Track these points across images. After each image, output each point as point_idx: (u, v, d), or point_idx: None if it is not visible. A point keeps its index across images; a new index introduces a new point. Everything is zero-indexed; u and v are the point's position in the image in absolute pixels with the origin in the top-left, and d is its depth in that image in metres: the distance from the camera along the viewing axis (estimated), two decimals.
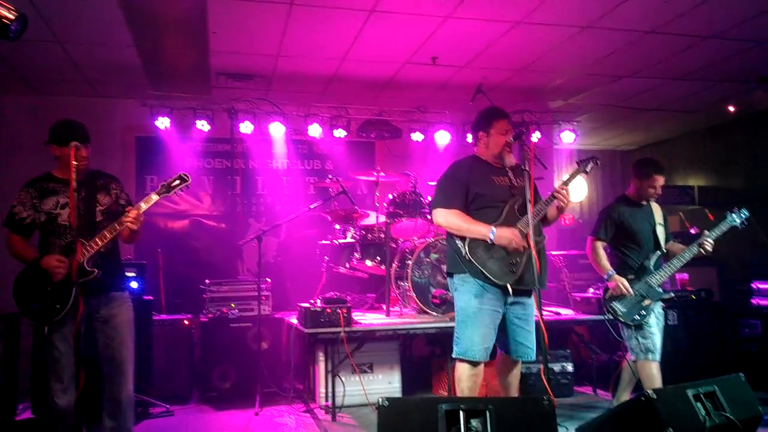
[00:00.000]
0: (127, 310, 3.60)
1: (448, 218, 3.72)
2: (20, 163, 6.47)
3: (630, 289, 4.35)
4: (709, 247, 4.34)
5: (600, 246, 4.55)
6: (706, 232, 4.40)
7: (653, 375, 4.25)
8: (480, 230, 3.62)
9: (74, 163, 3.14)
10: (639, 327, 4.32)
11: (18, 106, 6.68)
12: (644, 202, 4.58)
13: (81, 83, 6.35)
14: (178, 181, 3.45)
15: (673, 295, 4.59)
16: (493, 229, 3.58)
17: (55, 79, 6.21)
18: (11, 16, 1.80)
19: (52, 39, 5.14)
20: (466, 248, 3.64)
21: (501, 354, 3.89)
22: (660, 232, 4.52)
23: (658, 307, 4.41)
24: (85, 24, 4.93)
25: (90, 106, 6.58)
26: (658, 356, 4.29)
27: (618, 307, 4.38)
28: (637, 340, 4.32)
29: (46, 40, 5.13)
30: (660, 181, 4.49)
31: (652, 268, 4.42)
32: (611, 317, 4.45)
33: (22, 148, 6.52)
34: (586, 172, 3.84)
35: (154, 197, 3.39)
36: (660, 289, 4.40)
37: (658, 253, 4.48)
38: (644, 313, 4.32)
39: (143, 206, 3.40)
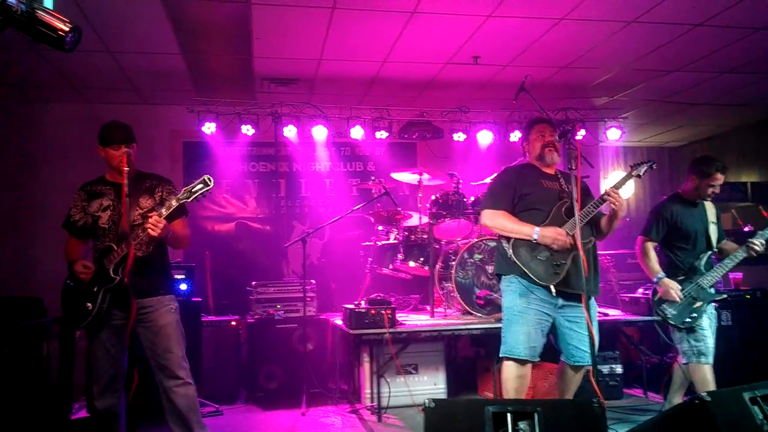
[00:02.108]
0: (165, 314, 3.50)
1: (494, 219, 3.83)
2: (69, 169, 6.69)
3: (680, 295, 4.23)
4: (758, 248, 4.19)
5: (650, 247, 4.43)
6: (759, 232, 4.25)
7: (706, 379, 4.12)
8: (524, 230, 3.69)
9: (126, 169, 3.18)
10: (691, 330, 4.19)
11: (68, 114, 6.90)
12: (698, 201, 4.44)
13: (130, 91, 6.54)
14: (200, 186, 3.24)
15: (726, 296, 4.43)
16: (537, 228, 3.64)
17: (105, 87, 6.40)
18: (66, 28, 1.86)
19: (103, 49, 5.31)
20: (511, 249, 3.70)
21: (561, 361, 3.90)
22: (713, 231, 4.38)
23: (710, 308, 4.28)
24: (134, 34, 5.09)
25: (138, 113, 6.74)
26: (711, 359, 4.16)
27: (668, 309, 4.27)
28: (689, 342, 4.20)
29: (97, 50, 5.31)
30: (721, 180, 4.32)
31: (703, 268, 4.28)
32: (661, 320, 4.35)
33: (71, 154, 6.75)
34: (639, 176, 3.78)
35: (174, 203, 3.25)
36: (712, 290, 4.27)
37: (710, 252, 4.34)
38: (695, 315, 4.19)
39: (164, 212, 3.25)
